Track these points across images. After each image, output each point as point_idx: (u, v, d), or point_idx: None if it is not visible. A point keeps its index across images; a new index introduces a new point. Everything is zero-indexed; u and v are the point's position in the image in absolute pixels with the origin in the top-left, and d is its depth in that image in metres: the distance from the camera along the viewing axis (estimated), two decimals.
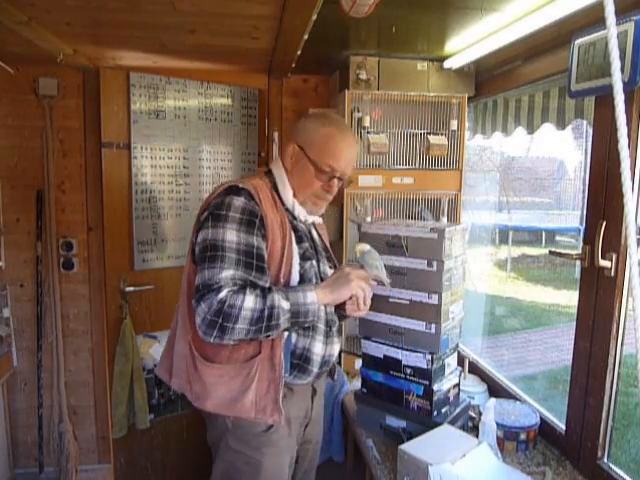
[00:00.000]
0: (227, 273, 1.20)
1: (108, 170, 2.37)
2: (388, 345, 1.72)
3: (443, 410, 1.68)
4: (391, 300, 1.69)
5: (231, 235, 1.23)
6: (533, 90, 2.06)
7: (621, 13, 1.25)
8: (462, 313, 1.75)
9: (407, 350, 1.67)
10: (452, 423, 1.65)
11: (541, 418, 1.75)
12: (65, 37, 1.97)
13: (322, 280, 1.40)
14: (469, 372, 2.12)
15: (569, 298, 4.67)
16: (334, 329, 1.45)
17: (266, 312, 1.19)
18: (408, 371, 1.67)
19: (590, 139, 1.54)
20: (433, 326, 1.61)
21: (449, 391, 1.71)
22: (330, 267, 1.48)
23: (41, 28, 1.82)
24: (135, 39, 2.00)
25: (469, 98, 2.36)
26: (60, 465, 2.63)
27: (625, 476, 1.45)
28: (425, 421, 1.63)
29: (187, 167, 2.52)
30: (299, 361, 1.36)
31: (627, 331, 1.46)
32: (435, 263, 1.58)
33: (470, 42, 2.00)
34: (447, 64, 2.29)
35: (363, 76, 2.27)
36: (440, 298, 1.59)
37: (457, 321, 1.72)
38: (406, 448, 1.44)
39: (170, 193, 2.48)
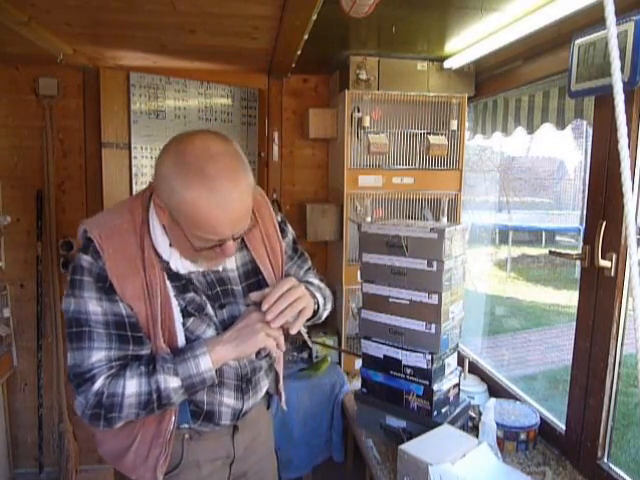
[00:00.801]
0: (99, 355, 1.01)
1: (108, 170, 2.37)
2: (388, 345, 1.71)
3: (443, 410, 1.68)
4: (391, 300, 1.69)
5: (93, 305, 1.01)
6: (533, 90, 2.06)
7: (621, 13, 1.25)
8: (462, 313, 1.75)
9: (407, 350, 1.67)
10: (452, 423, 1.65)
11: (541, 418, 1.75)
12: (65, 37, 1.97)
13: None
14: (469, 372, 2.11)
15: (569, 298, 4.68)
16: (259, 375, 1.24)
17: (154, 395, 1.02)
18: (408, 371, 1.67)
19: (590, 139, 1.54)
20: (433, 326, 1.61)
21: (449, 391, 1.71)
22: (247, 304, 1.16)
23: (41, 28, 1.82)
24: (135, 39, 2.00)
25: (469, 98, 2.36)
26: (60, 465, 2.63)
27: (625, 476, 1.45)
28: (425, 421, 1.63)
29: None
30: (202, 412, 1.16)
31: (627, 331, 1.46)
32: (435, 263, 1.58)
33: (470, 42, 2.00)
34: (447, 64, 2.29)
35: (363, 76, 2.27)
36: (440, 298, 1.59)
37: (457, 321, 1.72)
38: (406, 448, 1.44)
39: None
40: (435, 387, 1.63)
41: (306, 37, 1.81)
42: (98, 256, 1.02)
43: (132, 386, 1.01)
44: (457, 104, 2.33)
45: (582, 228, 1.59)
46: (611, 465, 1.50)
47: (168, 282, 1.07)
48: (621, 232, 1.40)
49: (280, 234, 1.26)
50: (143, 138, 2.39)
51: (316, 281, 1.34)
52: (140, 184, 2.40)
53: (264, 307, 1.08)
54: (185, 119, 2.49)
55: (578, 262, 1.56)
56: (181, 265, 1.09)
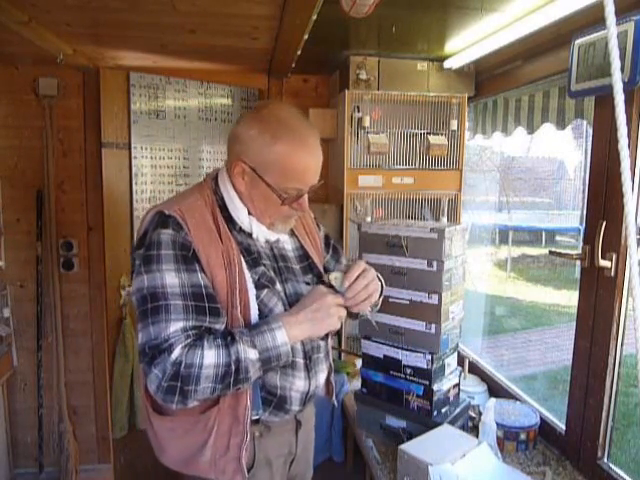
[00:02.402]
0: (176, 326, 1.00)
1: (108, 170, 2.37)
2: (388, 345, 1.71)
3: (443, 410, 1.68)
4: (391, 300, 1.69)
5: (171, 278, 1.02)
6: (533, 90, 2.06)
7: (621, 13, 1.25)
8: (462, 313, 1.75)
9: (407, 350, 1.67)
10: (452, 423, 1.65)
11: (541, 418, 1.75)
12: (65, 37, 1.97)
13: (293, 303, 1.16)
14: (469, 372, 2.11)
15: (569, 298, 4.68)
16: (319, 355, 1.25)
17: (232, 367, 1.01)
18: (408, 371, 1.67)
19: (590, 139, 1.54)
20: (433, 326, 1.61)
21: (449, 391, 1.71)
22: (307, 283, 1.23)
23: (41, 28, 1.82)
24: (135, 39, 2.00)
25: (469, 98, 2.36)
26: (60, 465, 2.63)
27: (625, 476, 1.45)
28: (425, 421, 1.63)
29: (187, 167, 2.52)
30: (274, 399, 1.16)
31: (627, 331, 1.46)
32: (435, 263, 1.58)
33: (470, 42, 2.00)
34: (447, 64, 2.29)
35: (363, 76, 2.27)
36: (440, 298, 1.59)
37: (457, 321, 1.72)
38: (406, 448, 1.44)
39: (170, 193, 2.48)
40: (435, 387, 1.63)
41: (306, 37, 1.81)
42: (180, 227, 1.05)
43: (210, 356, 0.99)
44: (457, 104, 2.33)
45: (582, 228, 1.59)
46: (611, 465, 1.50)
47: (241, 257, 1.12)
48: (621, 232, 1.40)
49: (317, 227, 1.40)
50: (143, 138, 2.39)
51: None
52: (140, 184, 2.40)
53: (345, 284, 1.14)
54: (185, 119, 2.49)
55: (578, 262, 1.56)
56: (261, 232, 1.17)
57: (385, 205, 2.36)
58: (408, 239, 1.62)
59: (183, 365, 0.98)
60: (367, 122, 2.27)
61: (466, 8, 1.64)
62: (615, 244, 1.43)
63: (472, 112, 2.57)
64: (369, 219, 2.32)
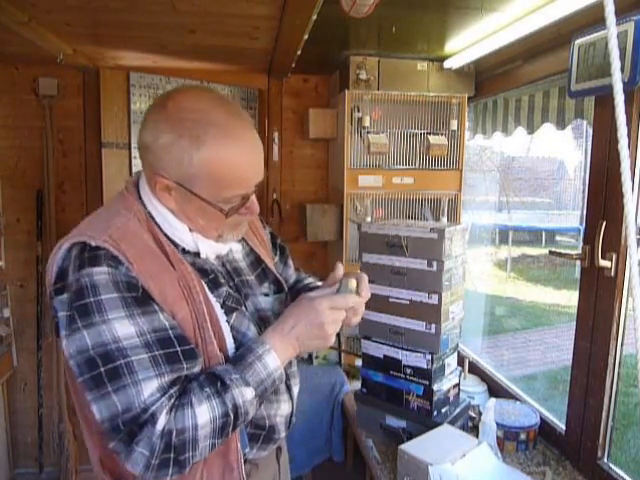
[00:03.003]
0: (151, 387, 0.79)
1: (108, 170, 2.37)
2: (388, 345, 1.71)
3: (443, 410, 1.68)
4: (391, 300, 1.69)
5: (123, 328, 0.80)
6: (533, 90, 2.06)
7: (621, 13, 1.25)
8: (462, 313, 1.75)
9: (407, 350, 1.67)
10: (452, 423, 1.65)
11: (541, 418, 1.75)
12: (65, 37, 1.97)
13: (262, 321, 1.02)
14: (469, 372, 2.11)
15: (569, 298, 4.69)
16: (293, 370, 1.11)
17: (231, 415, 0.84)
18: (408, 371, 1.67)
19: (590, 139, 1.54)
20: (433, 326, 1.61)
21: (449, 391, 1.71)
22: (266, 294, 1.07)
23: (41, 28, 1.82)
24: (135, 39, 2.00)
25: (469, 98, 2.36)
26: (60, 465, 2.63)
27: (625, 476, 1.45)
28: (425, 421, 1.63)
29: None
30: (262, 431, 1.02)
31: (627, 331, 1.46)
32: (435, 263, 1.58)
33: (470, 42, 2.00)
34: (447, 64, 2.29)
35: (363, 76, 2.27)
36: (440, 298, 1.59)
37: (457, 321, 1.72)
38: (406, 448, 1.44)
39: None
40: (435, 387, 1.63)
41: (306, 37, 1.81)
42: (118, 262, 0.82)
43: (204, 413, 0.82)
44: (457, 104, 2.33)
45: (582, 228, 1.59)
46: (611, 465, 1.50)
47: (201, 280, 0.93)
48: (621, 232, 1.40)
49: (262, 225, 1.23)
50: None
51: (320, 283, 1.24)
52: None
53: (365, 297, 0.99)
54: None
55: (578, 262, 1.56)
56: (210, 249, 0.97)
57: (385, 205, 2.36)
58: (408, 239, 1.62)
59: (174, 434, 0.79)
60: (367, 122, 2.27)
61: (466, 8, 1.64)
62: (615, 244, 1.43)
63: (472, 112, 2.57)
64: (369, 219, 2.32)
